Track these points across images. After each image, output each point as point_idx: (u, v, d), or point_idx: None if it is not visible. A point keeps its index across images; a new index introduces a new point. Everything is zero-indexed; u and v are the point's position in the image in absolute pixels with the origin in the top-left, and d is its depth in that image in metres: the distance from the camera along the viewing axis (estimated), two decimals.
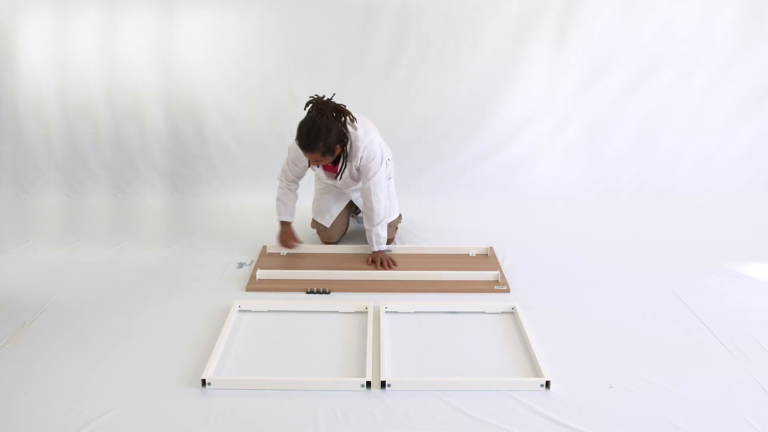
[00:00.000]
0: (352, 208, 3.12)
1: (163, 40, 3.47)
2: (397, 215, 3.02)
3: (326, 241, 3.02)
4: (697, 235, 3.18)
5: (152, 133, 3.62)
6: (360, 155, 2.58)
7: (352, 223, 3.22)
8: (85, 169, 3.64)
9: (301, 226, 3.21)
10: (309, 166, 2.69)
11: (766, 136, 3.70)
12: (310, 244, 2.98)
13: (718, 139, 3.70)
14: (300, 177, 2.80)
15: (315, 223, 3.02)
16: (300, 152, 2.57)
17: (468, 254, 2.91)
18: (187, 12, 3.44)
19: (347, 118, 2.51)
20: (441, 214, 3.46)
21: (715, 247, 3.03)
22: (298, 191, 2.84)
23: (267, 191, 3.63)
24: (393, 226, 3.00)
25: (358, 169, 2.66)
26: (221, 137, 3.65)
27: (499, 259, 2.86)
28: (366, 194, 2.68)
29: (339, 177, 2.69)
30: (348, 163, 2.62)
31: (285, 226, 2.85)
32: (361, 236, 3.08)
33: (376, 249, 2.76)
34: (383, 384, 1.89)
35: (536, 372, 1.97)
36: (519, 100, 3.63)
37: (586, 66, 3.57)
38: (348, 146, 2.55)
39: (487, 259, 2.87)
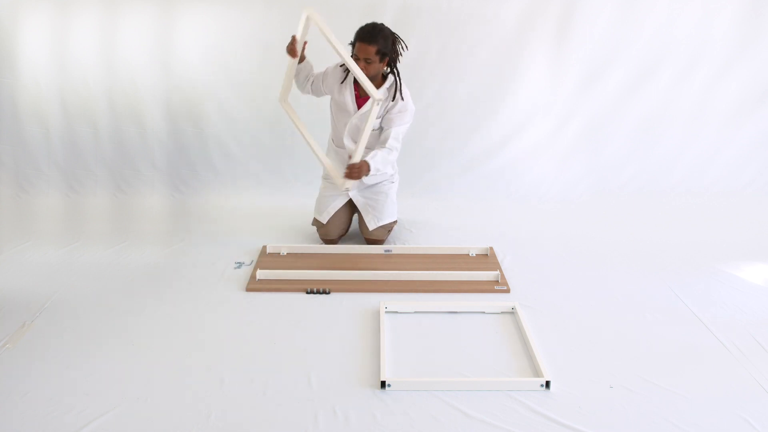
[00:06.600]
0: (353, 210, 3.11)
1: (163, 40, 3.47)
2: (394, 219, 3.02)
3: (325, 239, 3.02)
4: (697, 235, 3.18)
5: (152, 133, 3.62)
6: (403, 97, 2.78)
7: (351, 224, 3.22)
8: (85, 169, 3.63)
9: (302, 225, 3.22)
10: (341, 85, 2.82)
11: (766, 136, 3.70)
12: (310, 244, 2.98)
13: (718, 139, 3.70)
14: (313, 90, 2.92)
15: (315, 221, 3.03)
16: (336, 74, 2.83)
17: (468, 254, 2.91)
18: (187, 12, 3.44)
19: (401, 45, 2.77)
20: (441, 214, 3.46)
21: (715, 247, 3.03)
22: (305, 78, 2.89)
23: (267, 191, 3.66)
24: (386, 229, 3.01)
25: (386, 113, 2.79)
26: (221, 137, 3.65)
27: (499, 259, 2.86)
28: (386, 138, 2.80)
29: (394, 97, 2.78)
30: (390, 97, 2.78)
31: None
32: (361, 236, 3.08)
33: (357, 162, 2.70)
34: (383, 384, 1.89)
35: (536, 372, 1.97)
36: (519, 100, 3.63)
37: (585, 66, 3.57)
38: (398, 79, 2.78)
39: (487, 259, 2.87)
